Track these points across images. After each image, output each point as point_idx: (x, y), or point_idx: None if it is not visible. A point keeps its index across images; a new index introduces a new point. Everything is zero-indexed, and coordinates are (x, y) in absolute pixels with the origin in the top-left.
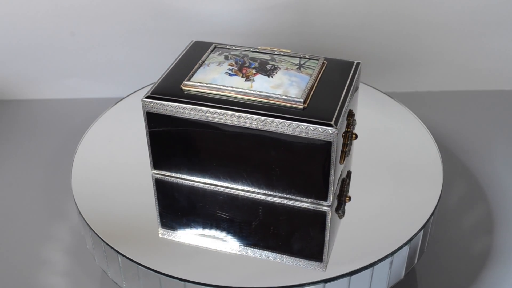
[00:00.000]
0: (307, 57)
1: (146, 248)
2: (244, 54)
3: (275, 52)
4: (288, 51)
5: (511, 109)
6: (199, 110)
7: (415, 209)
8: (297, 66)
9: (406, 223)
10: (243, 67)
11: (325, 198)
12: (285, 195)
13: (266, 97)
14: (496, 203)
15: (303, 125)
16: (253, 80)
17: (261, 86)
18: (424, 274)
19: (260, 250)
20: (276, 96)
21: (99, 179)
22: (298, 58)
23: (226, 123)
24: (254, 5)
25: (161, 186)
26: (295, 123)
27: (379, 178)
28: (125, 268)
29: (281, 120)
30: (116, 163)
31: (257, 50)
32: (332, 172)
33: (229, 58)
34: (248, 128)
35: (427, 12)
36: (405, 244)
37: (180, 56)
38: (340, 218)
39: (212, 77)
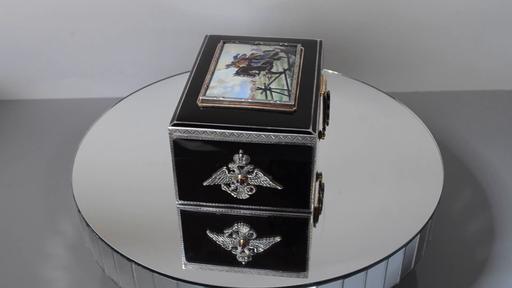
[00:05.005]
0: (290, 93)
1: (147, 249)
2: (283, 58)
3: (298, 75)
4: (323, 90)
5: (511, 109)
6: None
7: (417, 207)
8: (263, 88)
9: (412, 218)
10: (250, 59)
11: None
12: None
13: (206, 78)
14: (497, 203)
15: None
16: (227, 68)
17: (221, 73)
18: (423, 276)
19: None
20: (207, 83)
21: (100, 179)
22: (286, 91)
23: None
24: (254, 5)
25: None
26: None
27: (379, 178)
28: (121, 265)
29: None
30: (117, 163)
31: (298, 65)
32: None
33: (265, 51)
34: None
35: (427, 12)
36: (411, 240)
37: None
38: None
39: (228, 51)
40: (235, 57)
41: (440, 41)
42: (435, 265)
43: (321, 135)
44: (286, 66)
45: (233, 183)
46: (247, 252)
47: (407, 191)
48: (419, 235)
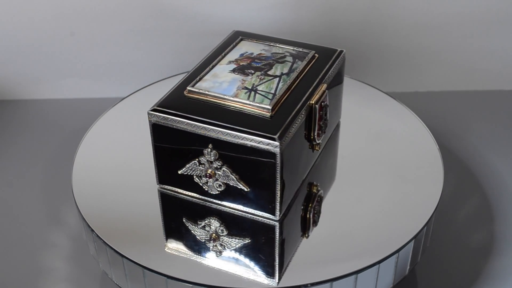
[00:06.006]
0: (273, 97)
1: (147, 249)
2: (287, 62)
3: (294, 81)
4: (313, 100)
5: (511, 109)
6: None
7: (417, 207)
8: (250, 89)
9: (409, 220)
10: (253, 58)
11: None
12: None
13: (204, 71)
14: (496, 202)
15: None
16: (228, 64)
17: (219, 68)
18: (424, 272)
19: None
20: (202, 75)
21: (100, 179)
22: (271, 95)
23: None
24: (254, 5)
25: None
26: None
27: (380, 178)
28: (115, 262)
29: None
30: (116, 163)
31: (298, 71)
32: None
33: (274, 53)
34: None
35: (427, 12)
36: (410, 240)
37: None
38: None
39: (240, 48)
40: (241, 55)
41: (440, 41)
42: (434, 267)
43: (313, 146)
44: (285, 71)
45: (204, 176)
46: (219, 247)
47: (406, 192)
48: (414, 240)
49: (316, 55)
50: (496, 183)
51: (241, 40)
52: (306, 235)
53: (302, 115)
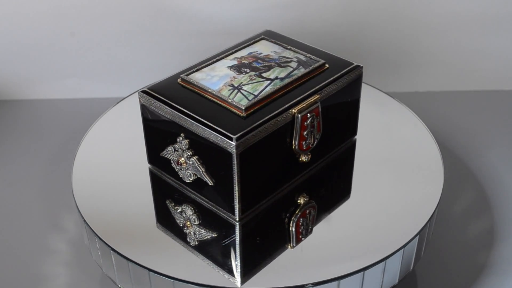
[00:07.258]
0: (253, 99)
1: (147, 249)
2: (290, 67)
3: (285, 87)
4: (296, 110)
5: (511, 109)
6: None
7: (419, 205)
8: (235, 87)
9: (412, 218)
10: (257, 58)
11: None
12: None
13: (206, 64)
14: (497, 203)
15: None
16: (231, 60)
17: (221, 63)
18: (423, 276)
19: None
20: (201, 67)
21: (100, 179)
22: (252, 96)
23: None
24: (254, 5)
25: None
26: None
27: (380, 178)
28: (119, 265)
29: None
30: (116, 163)
31: (294, 78)
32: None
33: (281, 56)
34: None
35: (427, 12)
36: (415, 236)
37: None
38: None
39: (254, 46)
40: (249, 53)
41: (440, 41)
42: (435, 266)
43: (299, 156)
44: (281, 75)
45: (176, 163)
46: (192, 235)
47: (407, 191)
48: (418, 236)
49: (326, 65)
50: (496, 183)
51: (261, 39)
52: (283, 241)
53: (278, 122)
